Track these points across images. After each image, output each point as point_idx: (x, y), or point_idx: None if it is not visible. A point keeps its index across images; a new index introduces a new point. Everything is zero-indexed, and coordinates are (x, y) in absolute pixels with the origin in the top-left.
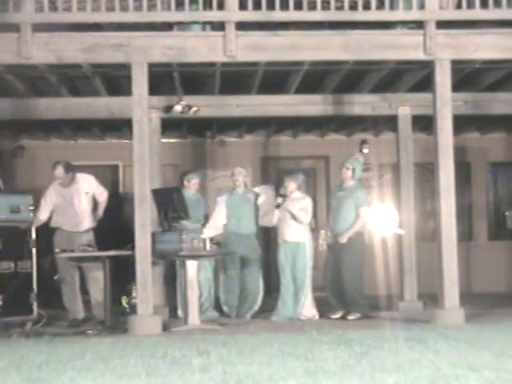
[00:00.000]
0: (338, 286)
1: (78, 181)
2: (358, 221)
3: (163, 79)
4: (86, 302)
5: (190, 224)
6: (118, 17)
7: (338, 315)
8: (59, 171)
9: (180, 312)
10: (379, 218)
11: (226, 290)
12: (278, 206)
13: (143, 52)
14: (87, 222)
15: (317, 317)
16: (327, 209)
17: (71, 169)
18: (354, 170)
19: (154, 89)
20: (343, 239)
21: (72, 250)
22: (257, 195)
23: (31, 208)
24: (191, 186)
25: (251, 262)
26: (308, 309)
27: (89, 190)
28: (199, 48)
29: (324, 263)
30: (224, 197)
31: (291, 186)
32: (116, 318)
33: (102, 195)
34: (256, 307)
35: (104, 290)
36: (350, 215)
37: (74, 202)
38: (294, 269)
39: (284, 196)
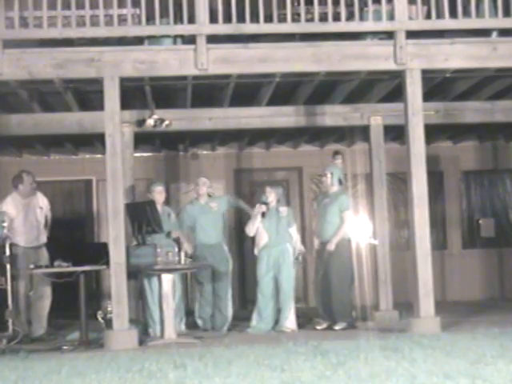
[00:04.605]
0: (327, 296)
1: (36, 194)
2: (343, 225)
3: (135, 93)
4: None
5: (163, 239)
6: (88, 32)
7: (323, 326)
8: (29, 178)
9: (150, 329)
10: (353, 228)
11: (200, 303)
12: (263, 215)
13: (114, 66)
14: (43, 236)
15: (296, 329)
16: (302, 219)
17: (35, 181)
18: (332, 174)
19: (126, 103)
20: (331, 246)
21: (39, 266)
22: (224, 203)
23: (4, 224)
24: (156, 197)
25: (221, 273)
26: (292, 321)
27: (42, 205)
28: (170, 61)
29: (314, 273)
30: (185, 208)
31: (272, 196)
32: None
33: (48, 215)
34: (229, 319)
35: (80, 306)
36: (334, 220)
37: (32, 213)
38: (279, 280)
39: (266, 204)
